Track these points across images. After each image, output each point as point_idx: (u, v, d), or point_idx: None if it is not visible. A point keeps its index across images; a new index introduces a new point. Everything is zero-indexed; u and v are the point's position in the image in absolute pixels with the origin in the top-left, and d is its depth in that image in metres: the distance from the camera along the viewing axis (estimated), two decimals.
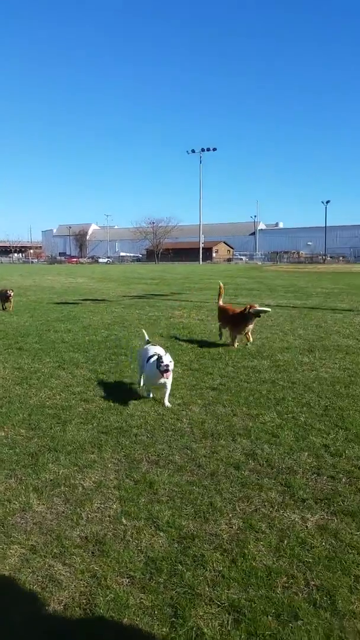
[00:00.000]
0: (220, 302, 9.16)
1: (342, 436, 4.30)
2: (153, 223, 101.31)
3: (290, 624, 2.18)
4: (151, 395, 5.46)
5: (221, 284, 9.66)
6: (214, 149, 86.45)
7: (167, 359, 4.97)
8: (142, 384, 5.64)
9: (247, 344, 8.23)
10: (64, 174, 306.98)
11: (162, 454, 4.03)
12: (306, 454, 3.97)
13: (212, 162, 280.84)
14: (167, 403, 5.20)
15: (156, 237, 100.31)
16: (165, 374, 4.97)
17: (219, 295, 9.33)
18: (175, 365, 6.88)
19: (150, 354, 5.24)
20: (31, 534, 2.93)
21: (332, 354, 7.56)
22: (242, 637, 2.13)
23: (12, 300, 13.18)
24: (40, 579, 2.54)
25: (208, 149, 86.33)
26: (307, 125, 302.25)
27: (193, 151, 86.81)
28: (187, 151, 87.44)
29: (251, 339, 8.31)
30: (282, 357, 7.35)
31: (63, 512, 3.17)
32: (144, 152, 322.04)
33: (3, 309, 13.14)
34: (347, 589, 2.40)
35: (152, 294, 18.50)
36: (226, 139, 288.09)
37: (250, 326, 8.11)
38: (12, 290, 13.46)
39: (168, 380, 5.09)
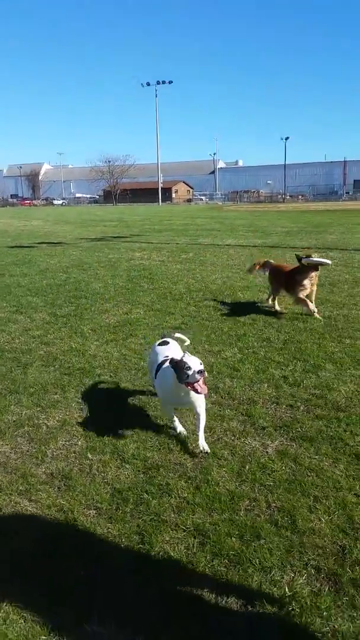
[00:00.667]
0: (272, 261, 7.10)
1: (300, 367, 4.43)
2: (109, 162, 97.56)
3: (253, 544, 2.29)
4: (179, 429, 3.32)
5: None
6: (170, 82, 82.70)
7: (194, 361, 2.94)
8: (179, 429, 3.35)
9: (312, 312, 6.03)
10: (11, 110, 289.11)
11: (126, 393, 4.05)
12: (266, 385, 4.08)
13: (168, 97, 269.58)
14: (202, 443, 3.08)
15: (113, 177, 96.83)
16: (194, 385, 2.93)
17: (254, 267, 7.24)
18: (136, 306, 6.89)
19: (162, 358, 3.38)
20: None
21: None
22: (208, 558, 2.23)
23: None
24: (6, 516, 2.57)
25: (164, 82, 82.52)
26: (266, 58, 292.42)
27: (148, 84, 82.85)
28: (142, 84, 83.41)
29: (314, 309, 6.03)
30: (243, 295, 7.41)
31: (27, 451, 3.17)
32: (97, 85, 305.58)
33: None
34: (306, 509, 2.53)
35: (111, 237, 18.11)
36: (183, 72, 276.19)
37: (311, 285, 6.06)
38: None
39: (200, 396, 3.09)
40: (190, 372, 2.90)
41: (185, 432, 3.31)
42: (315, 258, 6.07)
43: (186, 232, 19.53)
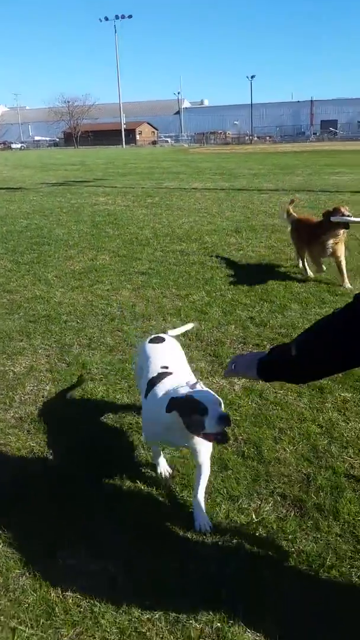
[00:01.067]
0: (295, 214, 6.00)
1: (266, 308, 4.48)
2: (68, 102, 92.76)
3: (221, 475, 2.37)
4: (162, 470, 2.40)
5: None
6: (130, 17, 78.11)
7: (212, 400, 1.94)
8: (161, 467, 2.42)
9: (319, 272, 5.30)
10: None
11: (94, 338, 4.03)
12: (233, 326, 4.12)
13: (129, 33, 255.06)
14: (199, 513, 2.09)
15: (73, 118, 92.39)
16: (212, 438, 1.97)
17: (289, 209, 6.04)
18: (102, 252, 6.76)
19: (155, 369, 2.31)
20: None
21: (258, 233, 7.63)
22: (178, 490, 2.30)
23: None
24: None
25: (123, 17, 77.80)
26: None
27: (106, 19, 78.13)
28: (100, 19, 78.54)
29: (345, 277, 5.04)
30: (210, 239, 7.34)
31: None
32: (52, 20, 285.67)
33: None
34: (271, 440, 2.62)
35: (73, 181, 17.48)
36: (143, 6, 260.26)
37: (337, 244, 5.02)
38: None
39: (206, 445, 2.12)
40: (207, 420, 1.84)
41: (169, 473, 2.37)
42: (347, 215, 4.86)
43: (151, 175, 19.01)
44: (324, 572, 1.84)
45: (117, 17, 77.58)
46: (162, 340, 2.57)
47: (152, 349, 2.48)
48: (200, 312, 4.47)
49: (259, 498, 2.23)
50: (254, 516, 2.12)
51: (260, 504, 2.19)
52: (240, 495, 2.24)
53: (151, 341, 2.56)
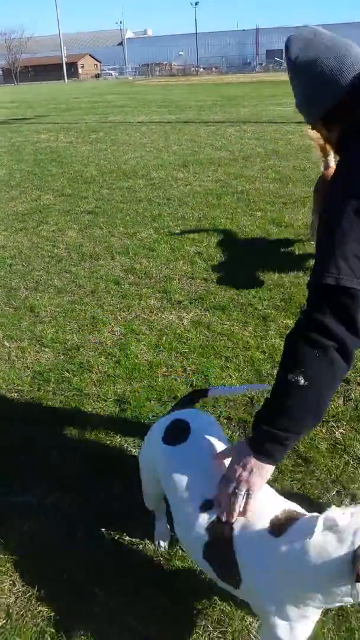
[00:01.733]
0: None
1: (213, 243, 4.49)
2: (4, 34, 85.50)
3: (170, 404, 2.45)
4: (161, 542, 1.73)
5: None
6: None
7: None
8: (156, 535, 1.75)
9: None
10: None
11: (41, 280, 3.96)
12: (181, 262, 4.13)
13: None
14: None
15: (11, 52, 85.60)
16: None
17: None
18: (46, 192, 6.51)
19: (189, 490, 1.26)
20: None
21: (205, 167, 7.50)
22: (128, 421, 2.37)
23: None
24: None
25: None
26: None
27: None
28: None
29: None
30: (157, 175, 7.18)
31: None
32: None
33: None
34: (218, 369, 2.71)
35: (13, 119, 16.45)
36: None
37: None
38: None
39: None
40: None
41: (165, 548, 1.74)
42: None
43: (95, 110, 18.12)
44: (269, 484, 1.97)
45: None
46: (186, 430, 1.37)
47: (179, 456, 1.33)
48: (149, 249, 4.44)
49: None
50: None
51: None
52: None
53: (169, 440, 1.37)
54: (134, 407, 2.45)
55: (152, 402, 2.48)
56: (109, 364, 2.82)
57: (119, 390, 2.59)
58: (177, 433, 1.37)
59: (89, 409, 2.48)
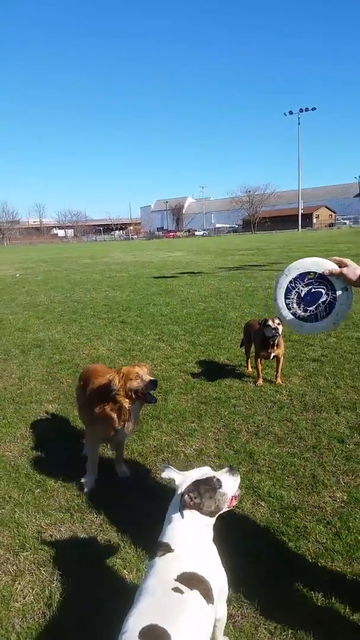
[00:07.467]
0: None
1: None
2: (249, 191, 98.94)
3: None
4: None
5: None
6: (313, 109, 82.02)
7: None
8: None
9: None
10: (159, 150, 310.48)
11: (262, 425, 4.01)
12: None
13: (310, 123, 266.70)
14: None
15: (252, 205, 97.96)
16: None
17: None
18: None
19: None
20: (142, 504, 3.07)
21: None
22: (345, 611, 2.08)
23: None
24: None
25: (307, 109, 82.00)
26: None
27: (291, 112, 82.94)
28: (285, 113, 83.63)
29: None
30: None
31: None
32: (236, 120, 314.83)
33: None
34: None
35: (248, 265, 18.23)
36: (325, 98, 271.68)
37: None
38: None
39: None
40: None
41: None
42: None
43: (325, 255, 18.85)
44: None
45: (301, 110, 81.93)
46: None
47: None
48: None
49: None
50: None
51: None
52: None
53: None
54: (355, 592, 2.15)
55: None
56: (327, 534, 2.59)
57: (336, 569, 2.32)
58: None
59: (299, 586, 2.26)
